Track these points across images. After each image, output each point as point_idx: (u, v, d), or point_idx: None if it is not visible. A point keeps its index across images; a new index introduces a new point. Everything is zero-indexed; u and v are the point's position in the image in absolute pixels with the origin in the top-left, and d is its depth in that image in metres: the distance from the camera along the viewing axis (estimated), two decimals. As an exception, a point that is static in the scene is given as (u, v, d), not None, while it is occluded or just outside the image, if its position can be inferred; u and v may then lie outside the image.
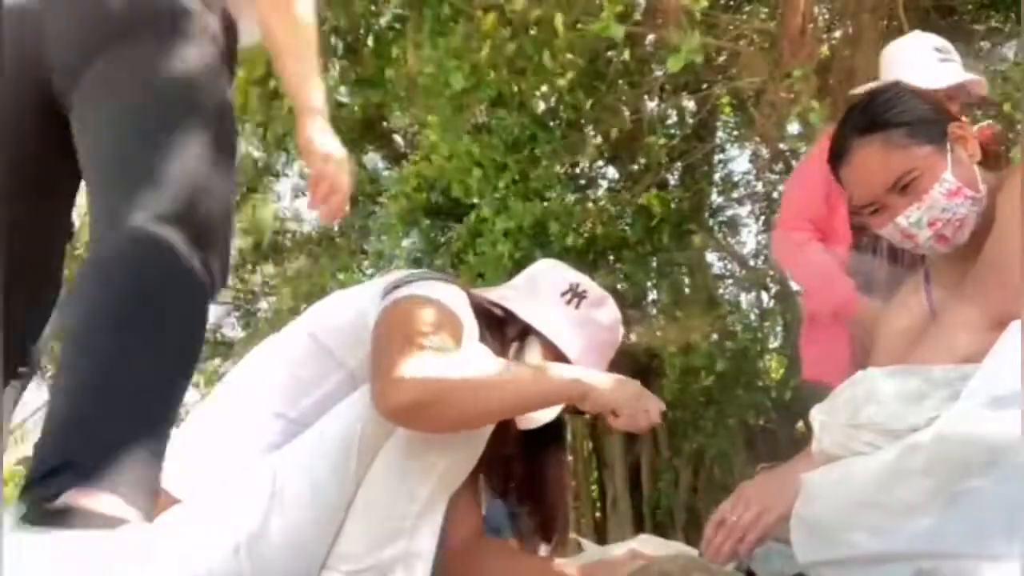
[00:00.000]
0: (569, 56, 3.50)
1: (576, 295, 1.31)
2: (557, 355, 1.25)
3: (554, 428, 1.29)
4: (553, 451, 1.38)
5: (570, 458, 7.26)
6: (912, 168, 1.22)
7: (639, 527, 6.42)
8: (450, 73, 3.49)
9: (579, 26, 3.38)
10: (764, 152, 6.24)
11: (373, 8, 4.87)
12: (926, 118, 1.26)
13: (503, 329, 1.28)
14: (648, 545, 1.38)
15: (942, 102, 1.45)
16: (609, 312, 1.34)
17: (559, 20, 3.08)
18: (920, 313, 1.32)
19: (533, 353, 1.26)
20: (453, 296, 1.19)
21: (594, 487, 7.54)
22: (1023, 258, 1.12)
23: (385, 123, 7.36)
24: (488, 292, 1.35)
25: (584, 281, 1.34)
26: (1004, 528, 0.82)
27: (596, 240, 5.47)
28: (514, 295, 1.32)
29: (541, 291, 1.32)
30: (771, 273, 7.14)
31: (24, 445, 11.31)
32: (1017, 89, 3.38)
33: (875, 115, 1.27)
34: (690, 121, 6.26)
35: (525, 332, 1.28)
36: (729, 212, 7.57)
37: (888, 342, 1.34)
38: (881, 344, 1.36)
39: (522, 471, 1.36)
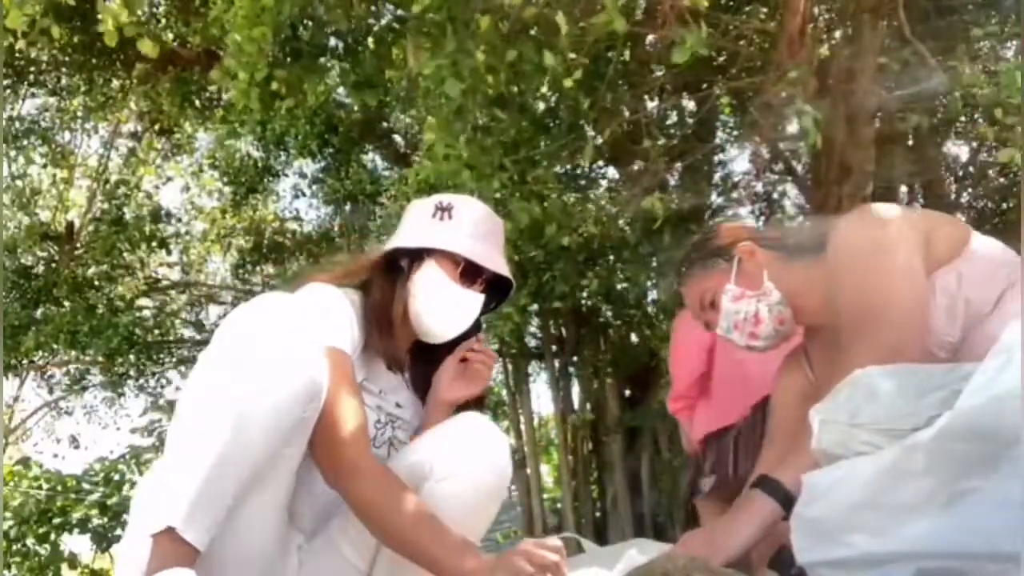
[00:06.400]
0: (573, 56, 3.47)
1: (443, 210, 1.43)
2: (453, 260, 1.39)
3: (461, 341, 1.46)
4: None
5: (570, 458, 7.26)
6: (705, 290, 1.54)
7: (639, 527, 6.41)
8: (446, 81, 3.47)
9: (581, 24, 3.36)
10: (764, 152, 6.24)
11: (373, 9, 4.87)
12: (712, 251, 1.57)
13: (395, 266, 1.42)
14: (646, 549, 1.37)
15: (735, 235, 1.71)
16: (477, 208, 1.47)
17: (562, 19, 3.06)
18: (804, 379, 1.57)
19: (429, 269, 1.38)
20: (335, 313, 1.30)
21: (594, 487, 7.53)
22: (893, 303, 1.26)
23: (385, 123, 7.35)
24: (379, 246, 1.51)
25: (448, 197, 1.47)
26: (1004, 528, 0.82)
27: (596, 240, 5.47)
28: (396, 237, 1.46)
29: (415, 221, 1.45)
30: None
31: (24, 445, 11.31)
32: (1010, 96, 3.37)
33: (680, 263, 1.65)
34: (690, 121, 6.25)
35: (417, 258, 1.41)
36: (729, 212, 7.57)
37: (784, 406, 1.58)
38: (777, 409, 1.60)
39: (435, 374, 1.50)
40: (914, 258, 1.28)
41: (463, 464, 1.22)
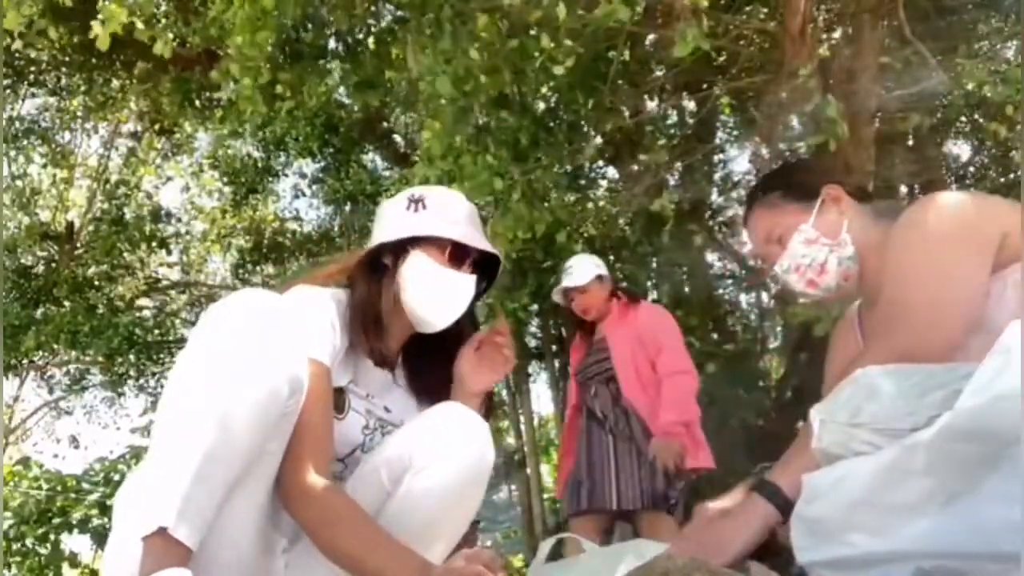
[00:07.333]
0: (569, 43, 3.45)
1: (415, 201, 1.41)
2: (438, 246, 1.36)
3: (456, 333, 1.42)
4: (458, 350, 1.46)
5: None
6: (777, 224, 1.44)
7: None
8: (437, 79, 3.47)
9: (581, 13, 3.35)
10: (764, 152, 6.25)
11: (373, 10, 4.87)
12: (797, 183, 1.47)
13: (380, 263, 1.40)
14: (645, 549, 1.37)
15: (823, 170, 1.63)
16: (450, 195, 1.46)
17: (562, 9, 3.05)
18: (855, 345, 1.48)
19: (416, 259, 1.36)
20: (316, 316, 1.27)
21: (594, 487, 7.52)
22: (921, 299, 1.22)
23: (385, 123, 7.36)
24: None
25: (419, 190, 1.45)
26: (1004, 528, 0.82)
27: (596, 240, 5.47)
28: (375, 236, 1.43)
29: (390, 217, 1.42)
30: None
31: (24, 445, 11.31)
32: (1016, 91, 3.37)
33: (759, 185, 1.55)
34: (690, 121, 6.26)
35: (402, 251, 1.38)
36: (729, 212, 7.57)
37: (832, 370, 1.52)
38: (829, 372, 1.53)
39: (433, 370, 1.46)
40: (969, 260, 1.21)
41: (442, 453, 1.21)
